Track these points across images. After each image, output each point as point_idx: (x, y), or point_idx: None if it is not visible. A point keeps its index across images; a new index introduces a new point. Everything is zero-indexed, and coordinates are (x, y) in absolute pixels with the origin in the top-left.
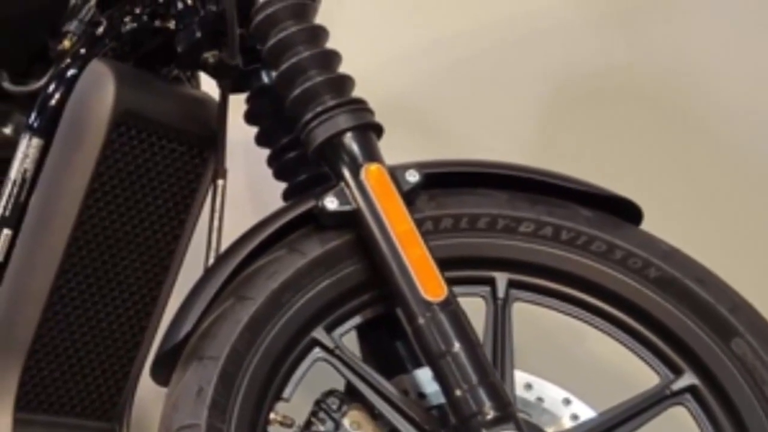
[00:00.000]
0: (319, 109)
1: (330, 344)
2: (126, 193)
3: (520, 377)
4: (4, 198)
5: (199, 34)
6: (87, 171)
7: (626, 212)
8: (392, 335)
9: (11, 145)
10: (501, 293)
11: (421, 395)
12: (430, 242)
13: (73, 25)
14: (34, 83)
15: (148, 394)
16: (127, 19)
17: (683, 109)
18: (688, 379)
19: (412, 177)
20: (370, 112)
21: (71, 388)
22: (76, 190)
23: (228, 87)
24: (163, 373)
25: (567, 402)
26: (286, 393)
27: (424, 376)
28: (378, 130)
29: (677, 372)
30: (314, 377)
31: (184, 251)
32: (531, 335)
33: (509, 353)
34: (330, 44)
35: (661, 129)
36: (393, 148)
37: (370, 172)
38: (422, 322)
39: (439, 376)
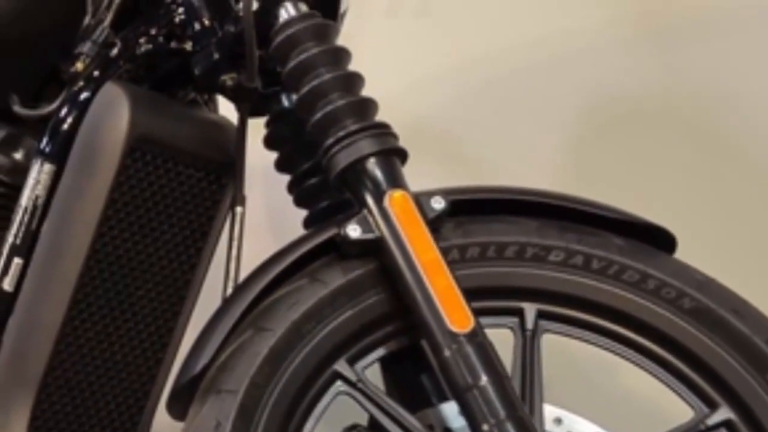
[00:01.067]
0: (341, 133)
1: (352, 377)
2: (141, 220)
3: (549, 411)
4: (15, 225)
5: (216, 56)
6: (100, 198)
7: (660, 240)
8: (417, 368)
9: (22, 171)
10: (530, 324)
11: (447, 430)
12: (456, 271)
13: (86, 47)
14: (46, 107)
15: (164, 429)
16: (142, 40)
17: (719, 135)
18: (724, 413)
19: (438, 204)
20: (394, 136)
21: (84, 422)
22: (90, 217)
23: (247, 110)
24: (179, 407)
25: None
26: (307, 428)
27: (450, 410)
28: (402, 155)
29: (712, 406)
30: (336, 411)
31: (201, 281)
32: (561, 368)
33: (538, 386)
34: (352, 66)
35: (696, 155)
36: (418, 174)
37: (394, 199)
38: (448, 354)
39: (466, 411)
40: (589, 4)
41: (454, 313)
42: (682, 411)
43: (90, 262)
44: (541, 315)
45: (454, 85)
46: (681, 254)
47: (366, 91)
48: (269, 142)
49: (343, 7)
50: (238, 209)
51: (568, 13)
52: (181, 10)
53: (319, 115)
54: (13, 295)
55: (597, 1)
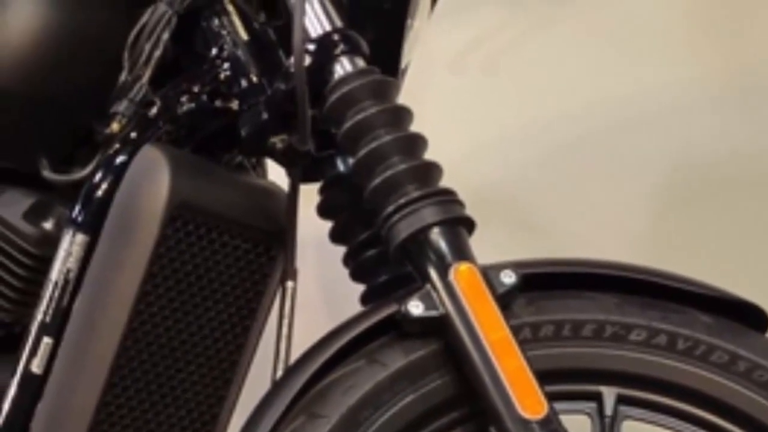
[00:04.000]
0: (402, 200)
1: None
2: (182, 296)
3: None
4: (44, 302)
5: (265, 116)
6: (138, 271)
7: (751, 318)
8: None
9: (52, 241)
10: (609, 410)
11: None
12: (528, 352)
13: (122, 106)
14: (78, 171)
15: None
16: (183, 98)
17: None
18: None
19: (508, 278)
20: (460, 204)
21: None
22: (126, 293)
23: (298, 176)
24: None
25: None
26: None
27: None
28: (469, 224)
29: None
30: None
31: (249, 362)
32: None
33: None
34: (414, 127)
35: None
36: (486, 245)
37: (460, 273)
38: None
39: None
40: (673, 59)
41: (525, 397)
42: None
43: (127, 342)
44: (621, 400)
45: (526, 147)
46: None
47: (429, 154)
48: (323, 211)
49: (404, 63)
50: (289, 284)
51: (651, 68)
52: (226, 65)
53: (377, 180)
54: (43, 379)
55: (682, 57)
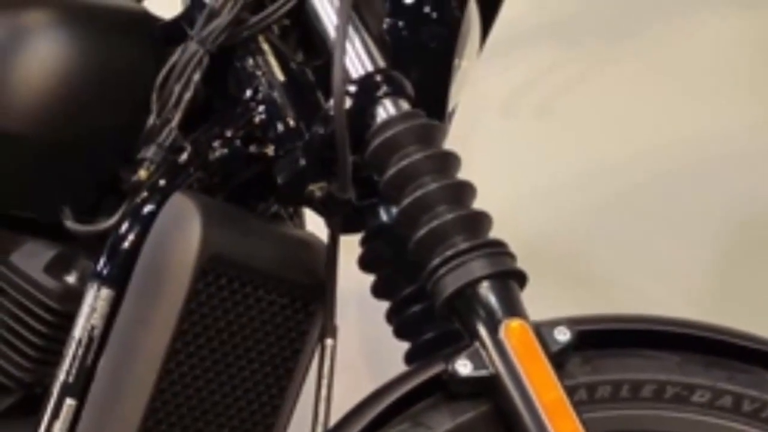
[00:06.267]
0: (449, 253)
1: None
2: (214, 355)
3: None
4: (68, 361)
5: (303, 162)
6: (168, 328)
7: None
8: None
9: (76, 296)
10: None
11: None
12: (584, 414)
13: (150, 152)
14: (103, 222)
15: None
16: (216, 144)
17: None
18: None
19: (563, 335)
20: (511, 256)
21: None
22: (155, 351)
23: (338, 226)
24: None
25: None
26: None
27: None
28: (520, 278)
29: None
30: None
31: (286, 426)
32: None
33: None
34: (462, 174)
35: None
36: (538, 301)
37: (512, 330)
38: None
39: None
40: (739, 101)
41: None
42: None
43: (155, 404)
44: None
45: (580, 196)
46: None
47: (478, 203)
48: (365, 263)
49: (451, 105)
50: (329, 341)
51: (715, 111)
52: (261, 108)
53: (423, 231)
54: None
55: (748, 99)
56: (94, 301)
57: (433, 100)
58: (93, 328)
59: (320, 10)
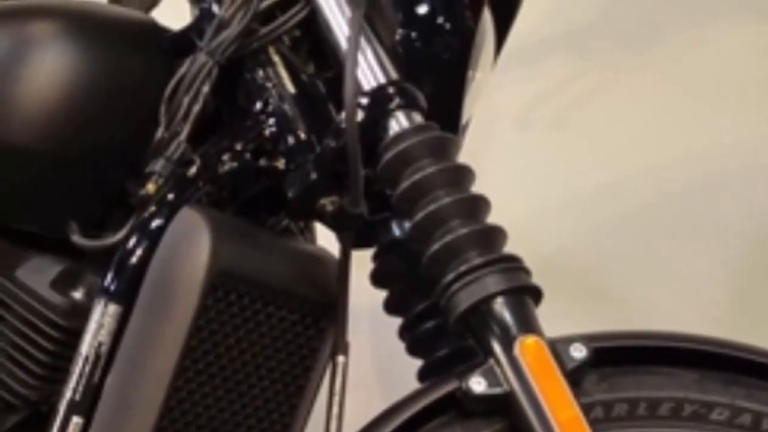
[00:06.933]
0: (462, 268)
1: None
2: (224, 372)
3: None
4: (74, 378)
5: (314, 176)
6: (176, 345)
7: None
8: None
9: (82, 312)
10: None
11: None
12: None
13: (158, 165)
14: (111, 237)
15: None
16: (225, 157)
17: None
18: None
19: (578, 352)
20: (526, 271)
21: None
22: (163, 368)
23: (350, 241)
24: None
25: None
26: None
27: None
28: (536, 294)
29: None
30: None
31: None
32: None
33: None
34: (476, 188)
35: None
36: (554, 317)
37: (527, 347)
38: None
39: None
40: (758, 114)
41: None
42: None
43: (163, 422)
44: None
45: (597, 210)
46: None
47: (492, 218)
48: (377, 279)
49: (465, 118)
50: (340, 358)
51: (733, 124)
52: (271, 120)
53: (436, 246)
54: None
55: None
56: (102, 317)
57: (446, 113)
58: (100, 344)
59: (332, 20)
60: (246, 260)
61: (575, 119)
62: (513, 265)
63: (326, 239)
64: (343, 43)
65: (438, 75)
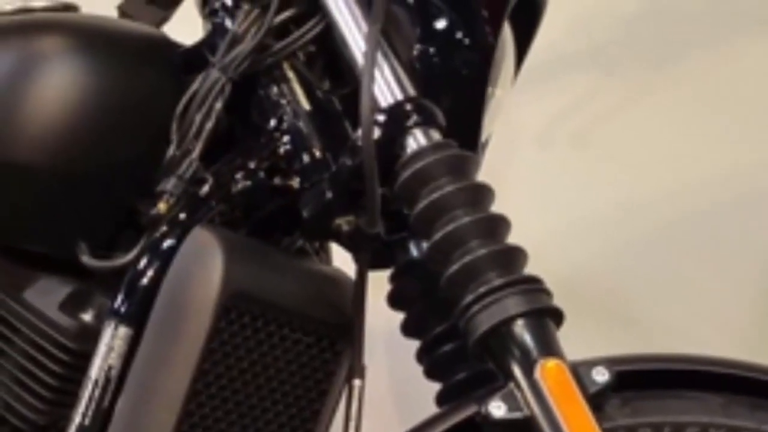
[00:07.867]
0: (482, 289)
1: None
2: (237, 396)
3: None
4: (83, 402)
5: (330, 195)
6: (188, 368)
7: None
8: None
9: (92, 335)
10: None
11: None
12: None
13: (170, 184)
14: (121, 257)
15: None
16: (238, 175)
17: None
18: None
19: (601, 376)
20: (547, 293)
21: None
22: (175, 392)
23: (367, 262)
24: None
25: None
26: None
27: None
28: (557, 316)
29: None
30: None
31: None
32: None
33: None
34: (496, 207)
35: None
36: (576, 340)
37: (548, 370)
38: None
39: None
40: None
41: None
42: None
43: None
44: None
45: (619, 230)
46: None
47: (512, 238)
48: (394, 300)
49: (484, 136)
50: (357, 382)
51: (759, 141)
52: (286, 138)
53: (455, 267)
54: None
55: None
56: (111, 340)
57: (465, 130)
58: (110, 368)
59: (348, 35)
60: (260, 281)
61: (598, 137)
62: (534, 286)
63: (342, 260)
64: (360, 58)
65: (457, 91)
